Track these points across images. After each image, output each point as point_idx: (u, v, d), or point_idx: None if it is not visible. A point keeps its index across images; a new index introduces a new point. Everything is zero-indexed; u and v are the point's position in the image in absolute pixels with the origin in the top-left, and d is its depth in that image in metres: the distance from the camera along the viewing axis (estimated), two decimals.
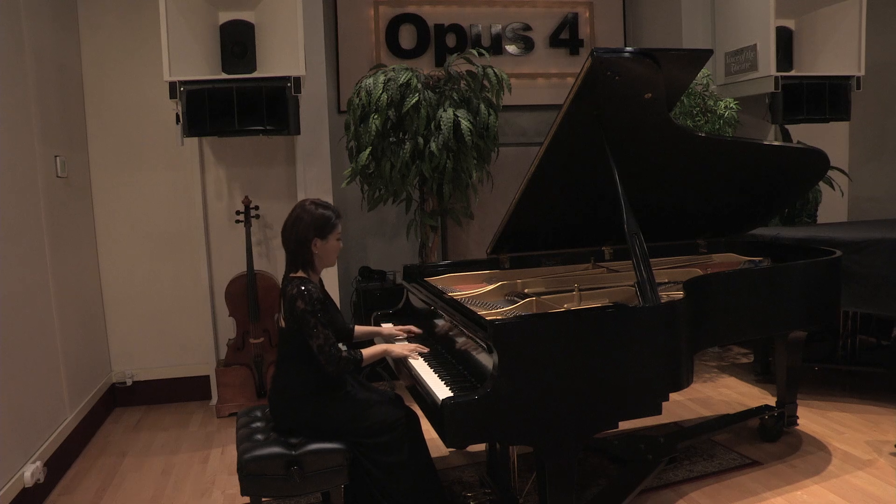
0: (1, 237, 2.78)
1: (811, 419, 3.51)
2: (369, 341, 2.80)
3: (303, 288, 2.30)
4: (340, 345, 2.42)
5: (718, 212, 3.28)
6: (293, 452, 2.25)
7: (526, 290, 2.80)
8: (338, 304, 3.97)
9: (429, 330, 2.73)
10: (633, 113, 2.51)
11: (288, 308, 2.33)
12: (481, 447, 3.13)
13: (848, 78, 4.36)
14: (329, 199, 4.01)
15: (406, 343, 2.61)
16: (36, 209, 3.19)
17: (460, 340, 2.36)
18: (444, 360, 2.43)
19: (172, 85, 3.31)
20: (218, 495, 2.99)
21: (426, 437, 2.50)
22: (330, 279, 3.83)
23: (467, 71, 3.91)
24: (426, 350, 2.53)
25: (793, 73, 4.37)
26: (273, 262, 4.16)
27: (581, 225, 3.08)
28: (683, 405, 3.79)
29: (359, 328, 2.75)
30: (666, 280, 2.84)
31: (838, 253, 3.04)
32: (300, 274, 2.38)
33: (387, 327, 2.86)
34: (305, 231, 2.37)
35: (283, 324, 2.40)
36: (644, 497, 2.76)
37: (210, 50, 3.43)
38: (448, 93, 3.80)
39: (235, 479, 2.33)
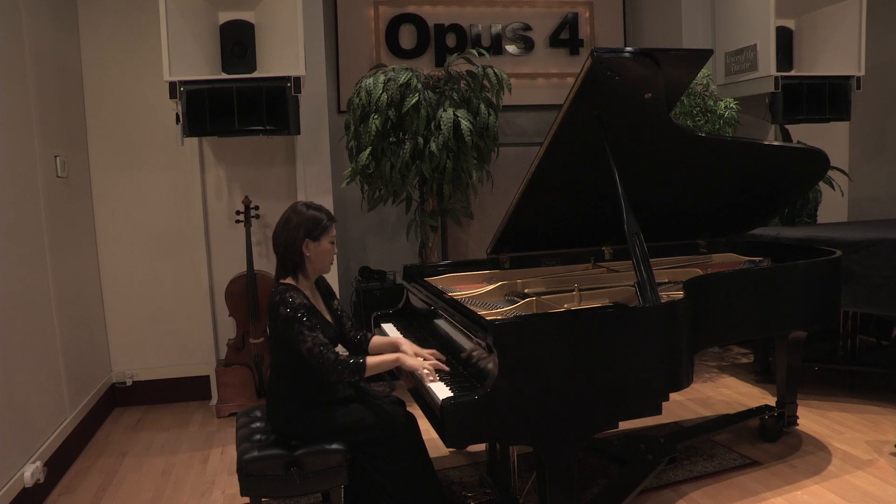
0: (1, 237, 2.78)
1: (811, 419, 3.51)
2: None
3: (287, 295, 2.23)
4: (340, 349, 2.36)
5: (718, 212, 3.28)
6: (293, 453, 2.24)
7: (526, 290, 2.80)
8: None
9: (429, 330, 2.73)
10: (633, 113, 2.51)
11: (272, 315, 2.28)
12: (481, 447, 3.13)
13: (848, 78, 4.36)
14: (329, 199, 4.01)
15: (421, 359, 2.31)
16: (36, 209, 3.19)
17: (460, 340, 2.36)
18: (444, 360, 2.42)
19: (172, 85, 3.31)
20: (218, 495, 2.98)
21: (426, 436, 2.49)
22: (330, 279, 3.83)
23: (467, 71, 3.91)
24: (446, 369, 2.29)
25: (793, 73, 4.37)
26: (273, 263, 4.12)
27: (581, 225, 3.08)
28: (683, 405, 3.79)
29: (377, 339, 2.53)
30: (666, 280, 2.84)
31: (838, 253, 3.04)
32: (289, 281, 2.32)
33: (406, 344, 2.46)
34: (295, 232, 2.29)
35: (268, 331, 2.36)
36: (644, 497, 2.76)
37: (210, 50, 3.43)
38: (448, 93, 3.80)
39: (235, 479, 2.33)
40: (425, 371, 2.23)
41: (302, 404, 2.32)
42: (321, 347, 2.20)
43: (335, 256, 2.43)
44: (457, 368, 2.33)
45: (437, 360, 2.33)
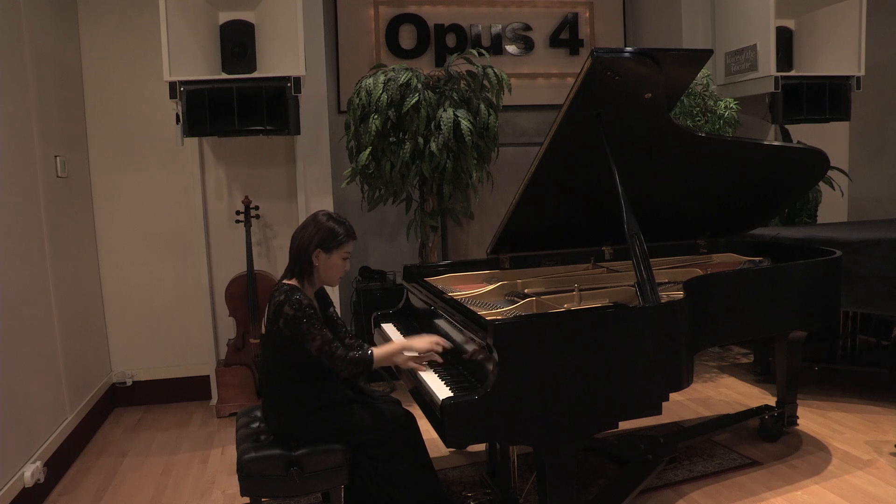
0: (1, 237, 2.78)
1: (811, 419, 3.51)
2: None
3: (293, 295, 2.24)
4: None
5: (718, 212, 3.28)
6: (293, 453, 2.24)
7: (526, 290, 2.80)
8: (338, 305, 4.00)
9: (429, 330, 2.73)
10: (633, 113, 2.51)
11: (272, 314, 2.27)
12: (481, 447, 3.13)
13: (848, 78, 4.36)
14: (329, 199, 4.02)
15: (413, 354, 2.35)
16: (36, 209, 3.19)
17: (460, 340, 2.36)
18: (444, 360, 2.42)
19: (172, 85, 3.31)
20: (218, 495, 2.98)
21: (426, 437, 2.49)
22: None
23: (467, 71, 3.91)
24: (438, 359, 2.33)
25: (793, 73, 4.37)
26: (273, 262, 4.16)
27: (581, 225, 3.07)
28: (683, 405, 3.79)
29: (378, 351, 2.36)
30: (666, 280, 2.84)
31: (838, 253, 3.04)
32: (293, 282, 2.33)
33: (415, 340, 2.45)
34: (309, 239, 2.32)
35: (263, 330, 2.35)
36: (644, 497, 2.76)
37: (210, 50, 3.42)
38: (448, 93, 3.80)
39: (235, 479, 2.33)
40: (425, 360, 2.32)
41: (299, 407, 2.30)
42: (330, 345, 2.24)
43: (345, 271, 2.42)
44: (457, 368, 2.33)
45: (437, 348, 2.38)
